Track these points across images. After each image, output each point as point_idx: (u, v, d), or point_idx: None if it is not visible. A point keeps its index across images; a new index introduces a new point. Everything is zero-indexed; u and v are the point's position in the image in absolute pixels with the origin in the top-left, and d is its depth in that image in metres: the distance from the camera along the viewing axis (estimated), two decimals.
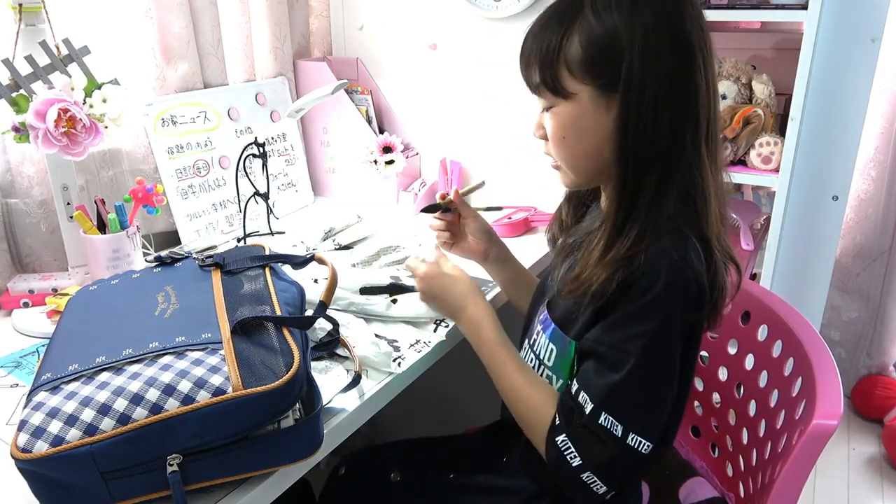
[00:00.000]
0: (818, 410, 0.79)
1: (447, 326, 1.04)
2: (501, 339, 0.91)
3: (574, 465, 0.78)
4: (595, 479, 0.78)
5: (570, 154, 0.84)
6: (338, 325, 0.96)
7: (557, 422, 0.80)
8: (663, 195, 0.77)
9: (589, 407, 0.77)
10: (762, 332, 1.02)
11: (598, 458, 0.77)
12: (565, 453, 0.78)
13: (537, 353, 0.91)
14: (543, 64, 0.80)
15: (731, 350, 1.07)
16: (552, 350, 0.88)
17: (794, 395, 0.90)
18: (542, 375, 0.90)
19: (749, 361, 1.03)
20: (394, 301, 1.06)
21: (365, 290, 1.08)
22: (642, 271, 0.75)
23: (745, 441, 1.00)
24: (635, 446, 0.76)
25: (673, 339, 0.77)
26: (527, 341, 0.96)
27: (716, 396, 1.09)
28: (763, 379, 0.99)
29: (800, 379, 0.89)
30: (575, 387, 0.80)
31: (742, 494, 0.99)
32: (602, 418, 0.76)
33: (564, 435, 0.79)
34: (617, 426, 0.76)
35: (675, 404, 0.81)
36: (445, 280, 0.97)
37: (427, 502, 1.00)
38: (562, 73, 0.79)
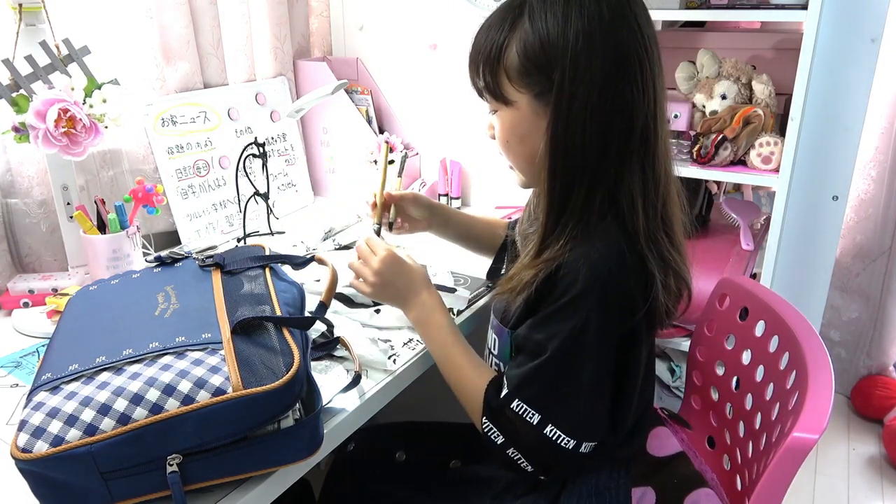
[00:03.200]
0: (800, 422, 0.77)
1: None
2: (451, 324, 0.94)
3: (498, 442, 0.83)
4: (519, 456, 0.82)
5: (515, 157, 0.87)
6: (332, 326, 0.96)
7: (483, 405, 0.85)
8: (590, 205, 0.79)
9: (504, 391, 0.83)
10: (774, 344, 1.00)
11: (515, 440, 0.81)
12: (489, 434, 0.83)
13: (489, 345, 0.98)
14: (485, 69, 0.82)
15: (745, 360, 1.05)
16: (495, 340, 0.94)
17: (789, 407, 0.88)
18: (490, 363, 0.95)
19: (760, 373, 1.01)
20: (377, 311, 1.06)
21: (349, 303, 1.08)
22: (564, 271, 0.78)
23: (749, 454, 0.99)
24: (554, 439, 0.79)
25: (592, 339, 0.77)
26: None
27: (728, 408, 1.08)
28: (769, 392, 0.98)
29: (796, 393, 0.88)
30: (506, 373, 0.84)
31: None
32: (514, 403, 0.81)
33: (485, 417, 0.84)
34: (532, 415, 0.80)
35: (620, 407, 0.83)
36: (404, 267, 0.97)
37: (426, 487, 1.02)
38: (502, 80, 0.81)
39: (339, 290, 1.07)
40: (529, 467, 0.82)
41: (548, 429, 0.79)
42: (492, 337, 0.96)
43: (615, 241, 0.78)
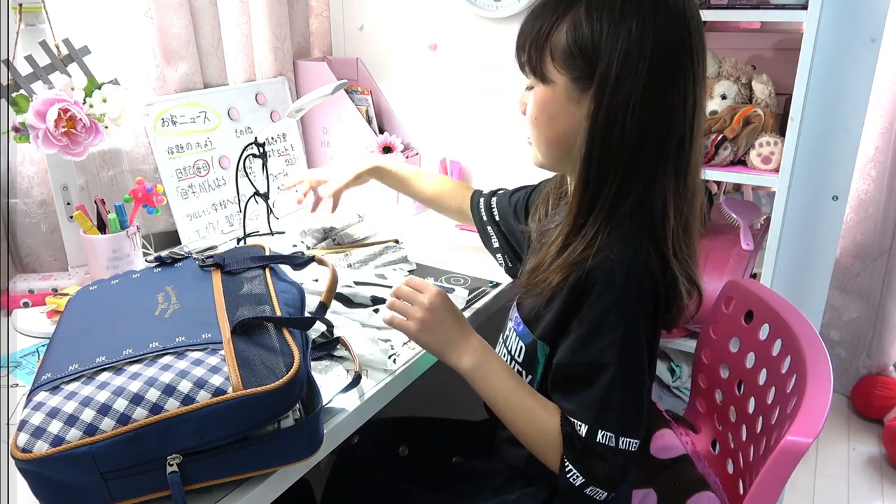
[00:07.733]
0: (794, 426, 0.77)
1: None
2: (507, 366, 0.90)
3: (577, 483, 0.80)
4: (597, 489, 0.80)
5: (539, 135, 0.88)
6: (332, 326, 0.96)
7: (563, 447, 0.81)
8: (622, 202, 0.80)
9: (584, 429, 0.79)
10: (776, 347, 1.00)
11: (599, 473, 0.80)
12: (569, 476, 0.81)
13: (509, 348, 0.95)
14: (531, 45, 0.84)
15: (749, 363, 1.05)
16: (521, 347, 0.91)
17: (788, 411, 0.88)
18: (514, 370, 0.92)
19: (763, 376, 1.01)
20: (375, 311, 1.06)
21: (349, 303, 1.08)
22: (595, 277, 0.78)
23: (751, 458, 0.99)
24: (627, 448, 0.79)
25: (638, 340, 0.80)
26: (501, 336, 1.00)
27: (732, 411, 1.08)
28: (771, 395, 0.98)
29: (795, 398, 0.88)
30: (567, 410, 0.82)
31: None
32: (599, 436, 0.79)
33: (567, 459, 0.81)
34: (611, 438, 0.79)
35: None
36: (454, 309, 0.90)
37: (427, 481, 1.02)
38: (545, 58, 0.83)
39: (338, 290, 1.07)
40: (604, 494, 0.80)
41: (622, 443, 0.79)
42: (517, 343, 0.92)
43: (640, 243, 0.79)
